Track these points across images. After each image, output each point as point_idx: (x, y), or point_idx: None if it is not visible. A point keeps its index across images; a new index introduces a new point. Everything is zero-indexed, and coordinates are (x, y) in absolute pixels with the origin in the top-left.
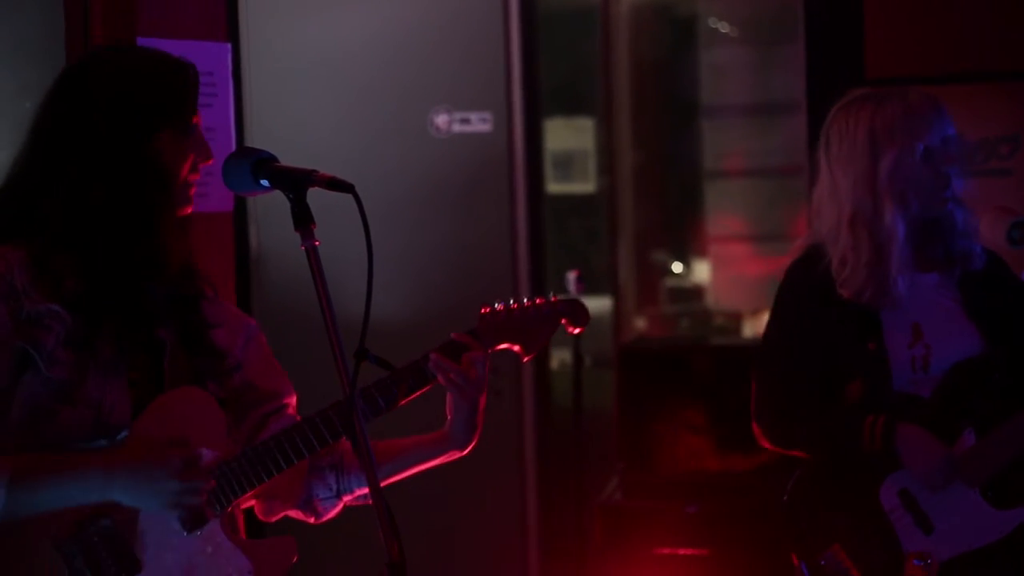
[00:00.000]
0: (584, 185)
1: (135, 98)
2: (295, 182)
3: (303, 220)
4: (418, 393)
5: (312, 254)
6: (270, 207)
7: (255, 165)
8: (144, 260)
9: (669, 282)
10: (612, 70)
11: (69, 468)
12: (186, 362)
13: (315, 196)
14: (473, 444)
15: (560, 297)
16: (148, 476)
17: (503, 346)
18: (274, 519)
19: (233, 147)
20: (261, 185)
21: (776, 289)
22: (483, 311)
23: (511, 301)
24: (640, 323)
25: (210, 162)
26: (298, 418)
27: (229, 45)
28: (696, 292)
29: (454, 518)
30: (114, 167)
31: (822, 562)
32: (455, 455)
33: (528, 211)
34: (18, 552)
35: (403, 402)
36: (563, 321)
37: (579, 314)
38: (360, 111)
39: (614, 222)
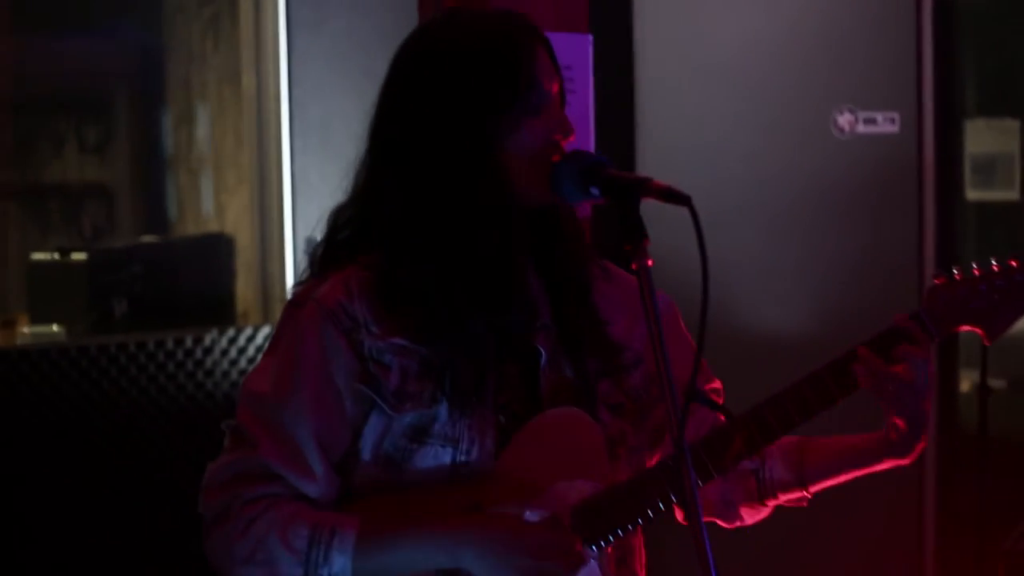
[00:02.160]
0: (1008, 192)
1: (458, 86)
2: (626, 191)
3: (634, 235)
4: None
5: (644, 275)
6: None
7: (585, 171)
8: (490, 274)
9: None
10: None
11: (415, 532)
12: (571, 370)
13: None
14: (916, 453)
15: None
16: (502, 554)
17: (962, 328)
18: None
19: (591, 147)
20: (591, 194)
21: None
22: (936, 282)
23: (973, 266)
24: None
25: (571, 138)
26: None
27: (591, 36)
28: None
29: (843, 552)
30: (443, 166)
31: None
32: (895, 463)
33: (937, 218)
34: None
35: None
36: None
37: None
38: (757, 109)
39: None
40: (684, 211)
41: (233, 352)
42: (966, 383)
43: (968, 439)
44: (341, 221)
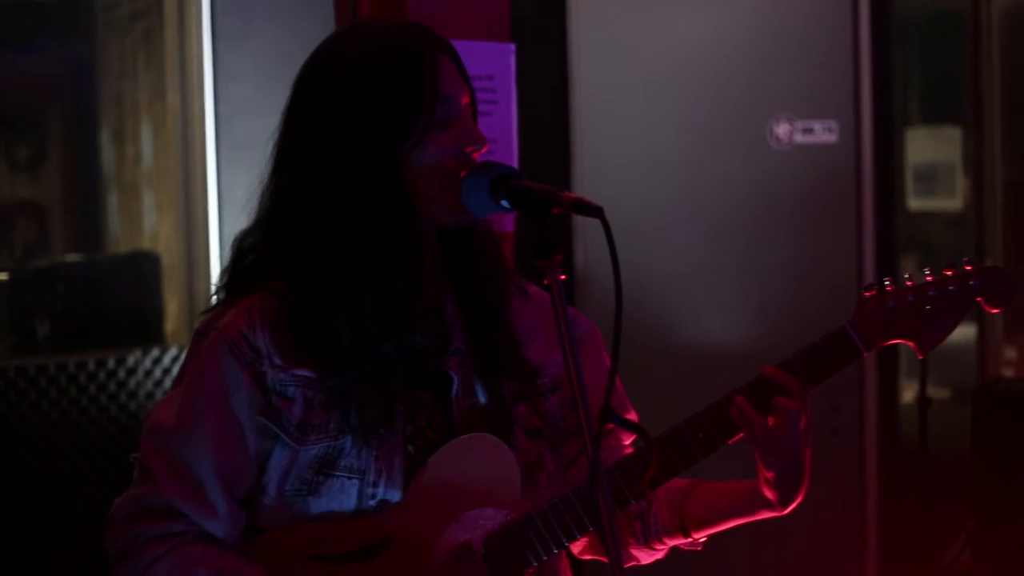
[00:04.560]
0: (950, 201)
1: (360, 105)
2: (535, 203)
3: (546, 249)
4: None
5: (555, 289)
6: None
7: (493, 183)
8: (398, 295)
9: None
10: (983, 76)
11: None
12: (485, 395)
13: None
14: (793, 506)
15: (975, 266)
16: None
17: (893, 342)
18: (586, 558)
19: (515, 159)
20: (501, 206)
21: None
22: (865, 295)
23: (905, 278)
24: (1010, 353)
25: (484, 148)
26: (628, 450)
27: (513, 46)
28: None
29: (786, 562)
30: (348, 187)
31: None
32: (770, 515)
33: (876, 229)
34: None
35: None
36: (979, 299)
37: (1000, 289)
38: (695, 118)
39: (982, 241)
40: (627, 222)
41: (158, 372)
42: (909, 393)
43: (910, 450)
44: (246, 246)
